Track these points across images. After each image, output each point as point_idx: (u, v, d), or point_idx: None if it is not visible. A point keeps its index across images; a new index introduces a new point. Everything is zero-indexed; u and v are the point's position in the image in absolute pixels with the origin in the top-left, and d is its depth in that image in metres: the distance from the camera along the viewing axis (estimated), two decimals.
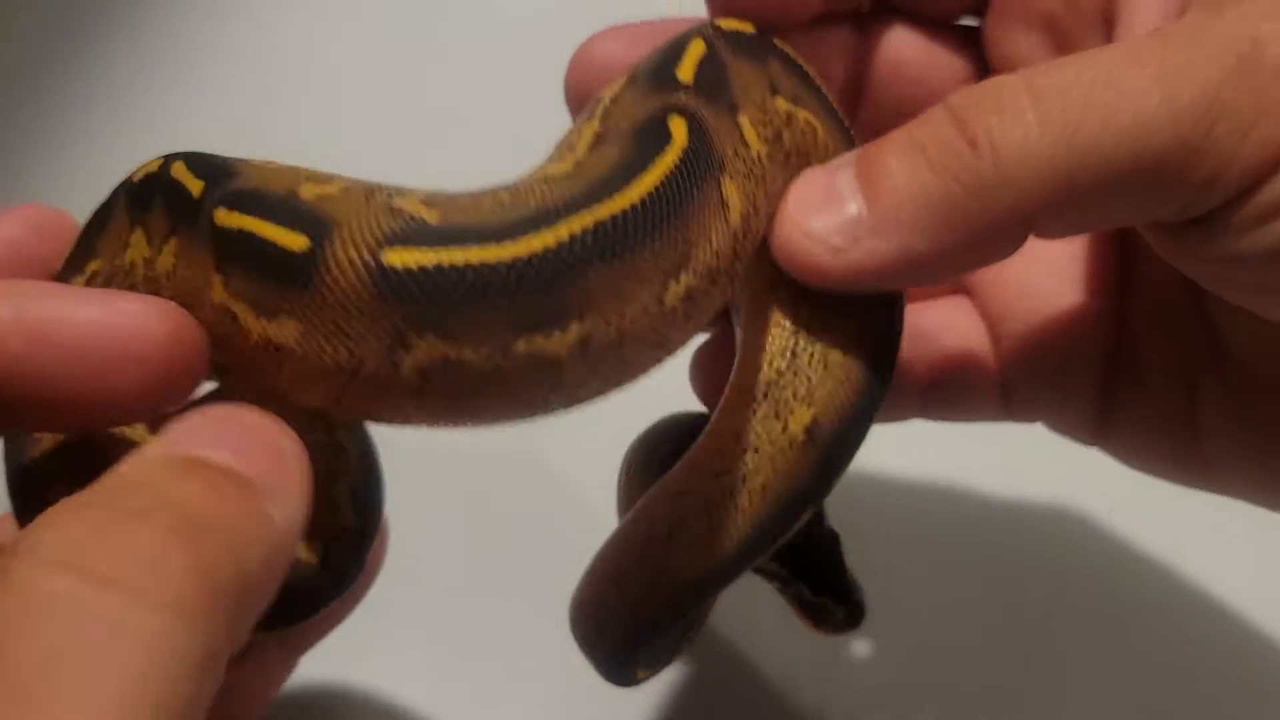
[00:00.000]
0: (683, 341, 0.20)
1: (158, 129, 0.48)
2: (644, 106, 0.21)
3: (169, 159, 0.21)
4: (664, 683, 0.35)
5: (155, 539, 0.16)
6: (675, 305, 0.19)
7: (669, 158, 0.19)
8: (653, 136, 0.20)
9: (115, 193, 0.22)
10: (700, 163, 0.20)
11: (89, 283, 0.22)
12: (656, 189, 0.19)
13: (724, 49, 0.22)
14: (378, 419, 0.20)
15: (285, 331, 0.18)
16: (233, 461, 0.17)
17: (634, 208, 0.18)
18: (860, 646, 0.35)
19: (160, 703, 0.15)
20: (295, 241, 0.18)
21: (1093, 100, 0.19)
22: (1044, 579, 0.36)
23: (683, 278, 0.19)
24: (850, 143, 0.24)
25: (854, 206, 0.20)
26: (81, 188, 0.48)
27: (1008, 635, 0.35)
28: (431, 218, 0.18)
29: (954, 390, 0.27)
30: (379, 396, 0.19)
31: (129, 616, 0.15)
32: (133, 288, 0.21)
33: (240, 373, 0.20)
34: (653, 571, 0.23)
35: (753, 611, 0.35)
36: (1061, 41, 0.24)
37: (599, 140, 0.21)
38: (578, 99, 0.25)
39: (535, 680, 0.35)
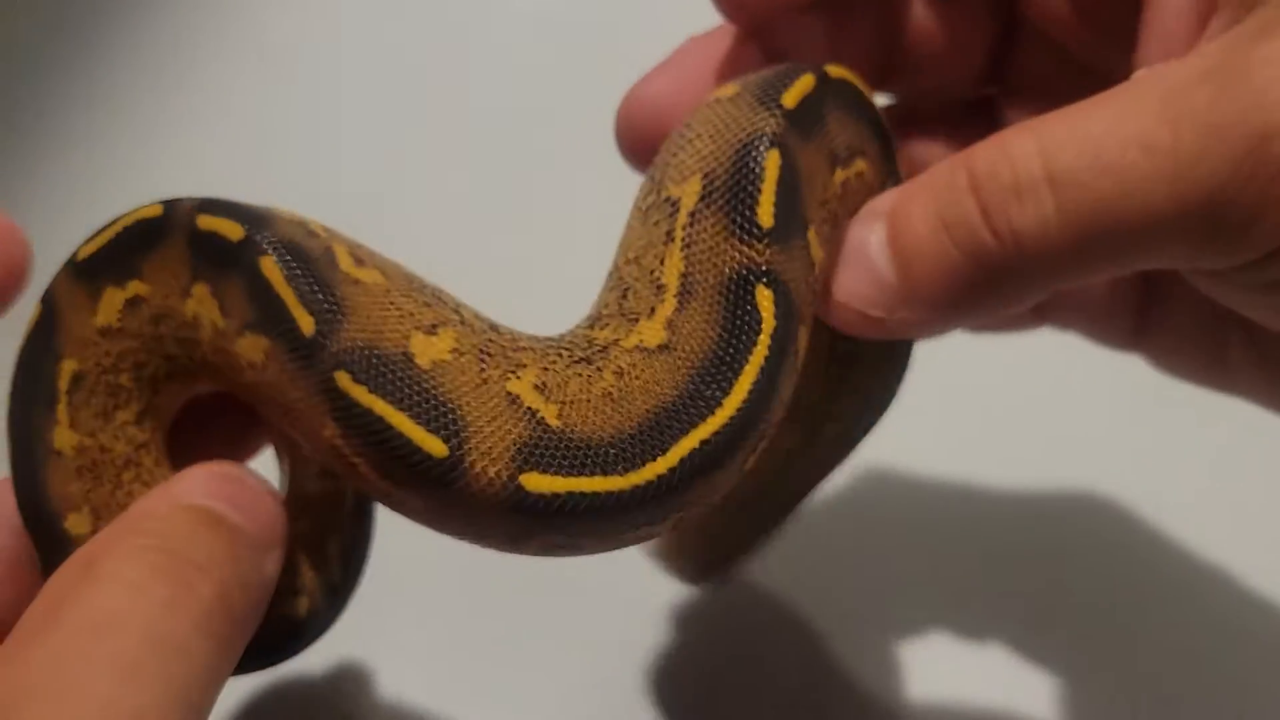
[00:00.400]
0: None
1: (158, 129, 0.49)
2: (727, 251, 0.22)
3: (255, 241, 0.21)
4: (662, 678, 0.35)
5: (187, 568, 0.20)
6: (749, 467, 0.22)
7: (760, 351, 0.21)
8: (744, 317, 0.21)
9: (170, 218, 0.22)
10: (787, 338, 0.22)
11: (129, 302, 0.23)
12: (752, 391, 0.21)
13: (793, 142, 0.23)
14: None
15: (411, 501, 0.21)
16: (243, 522, 0.22)
17: (733, 419, 0.21)
18: (861, 637, 0.35)
19: (191, 704, 0.18)
20: (436, 448, 0.20)
21: (1105, 191, 0.20)
22: (1050, 564, 0.36)
23: (760, 445, 0.22)
24: (894, 171, 0.25)
25: (889, 277, 0.22)
26: (82, 187, 0.48)
27: (1011, 622, 0.35)
28: (551, 418, 0.20)
29: None
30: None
31: (166, 625, 0.19)
32: (193, 342, 0.22)
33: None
34: None
35: (751, 606, 0.36)
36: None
37: (685, 292, 0.22)
38: (635, 148, 0.27)
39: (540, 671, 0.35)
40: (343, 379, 0.20)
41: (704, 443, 0.20)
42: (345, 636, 0.28)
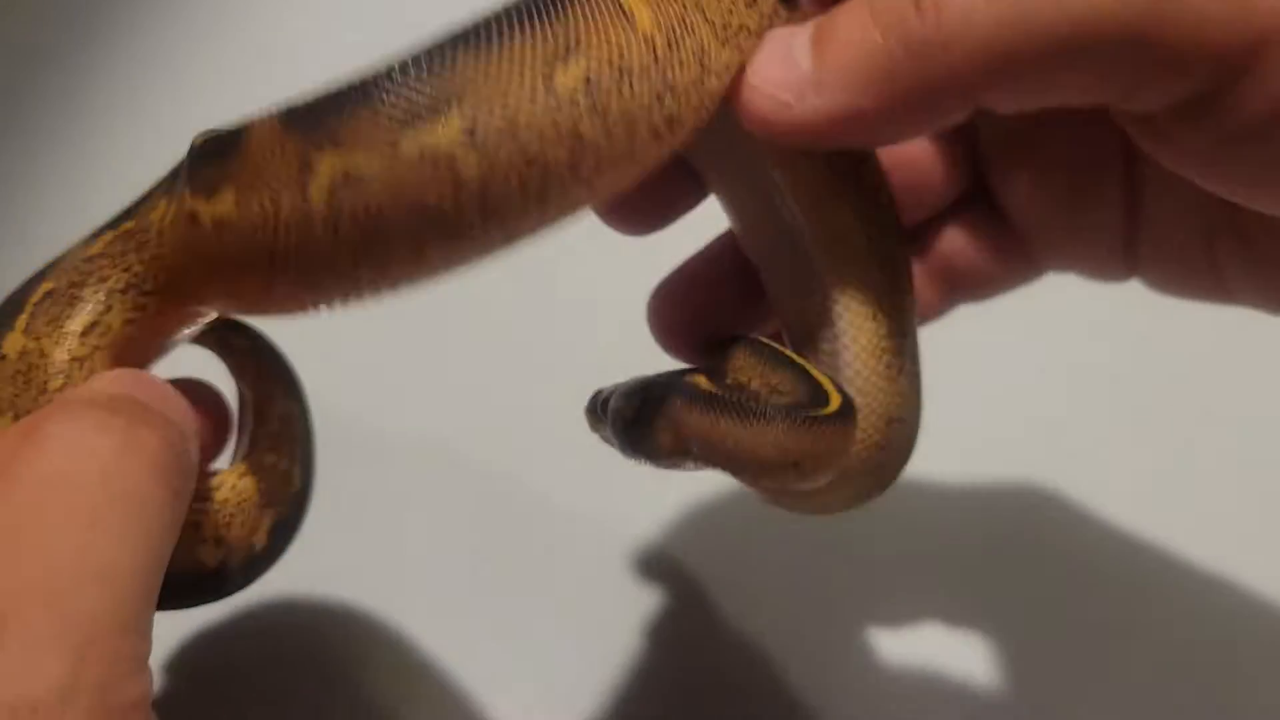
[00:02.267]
0: (612, 152, 0.20)
1: (159, 130, 0.49)
2: None
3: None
4: (660, 671, 0.35)
5: (129, 422, 0.20)
6: (573, 95, 0.19)
7: None
8: None
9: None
10: None
11: (117, 238, 0.25)
12: None
13: None
14: (314, 290, 0.21)
15: (225, 203, 0.21)
16: (161, 407, 0.22)
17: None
18: (854, 634, 0.35)
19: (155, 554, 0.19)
20: (228, 132, 0.21)
21: None
22: (1045, 563, 0.36)
23: (572, 65, 0.19)
24: None
25: (804, 64, 0.21)
26: (81, 189, 0.48)
27: (1007, 621, 0.35)
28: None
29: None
30: (304, 250, 0.20)
31: (121, 475, 0.19)
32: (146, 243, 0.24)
33: (199, 279, 0.23)
34: None
35: (749, 602, 0.36)
36: None
37: None
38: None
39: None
40: (190, 148, 0.22)
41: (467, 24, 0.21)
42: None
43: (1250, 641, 0.34)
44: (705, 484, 0.36)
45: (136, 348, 0.25)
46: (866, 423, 0.25)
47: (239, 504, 0.26)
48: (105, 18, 0.52)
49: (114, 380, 0.23)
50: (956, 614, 0.35)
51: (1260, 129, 0.20)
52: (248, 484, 0.27)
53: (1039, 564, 0.36)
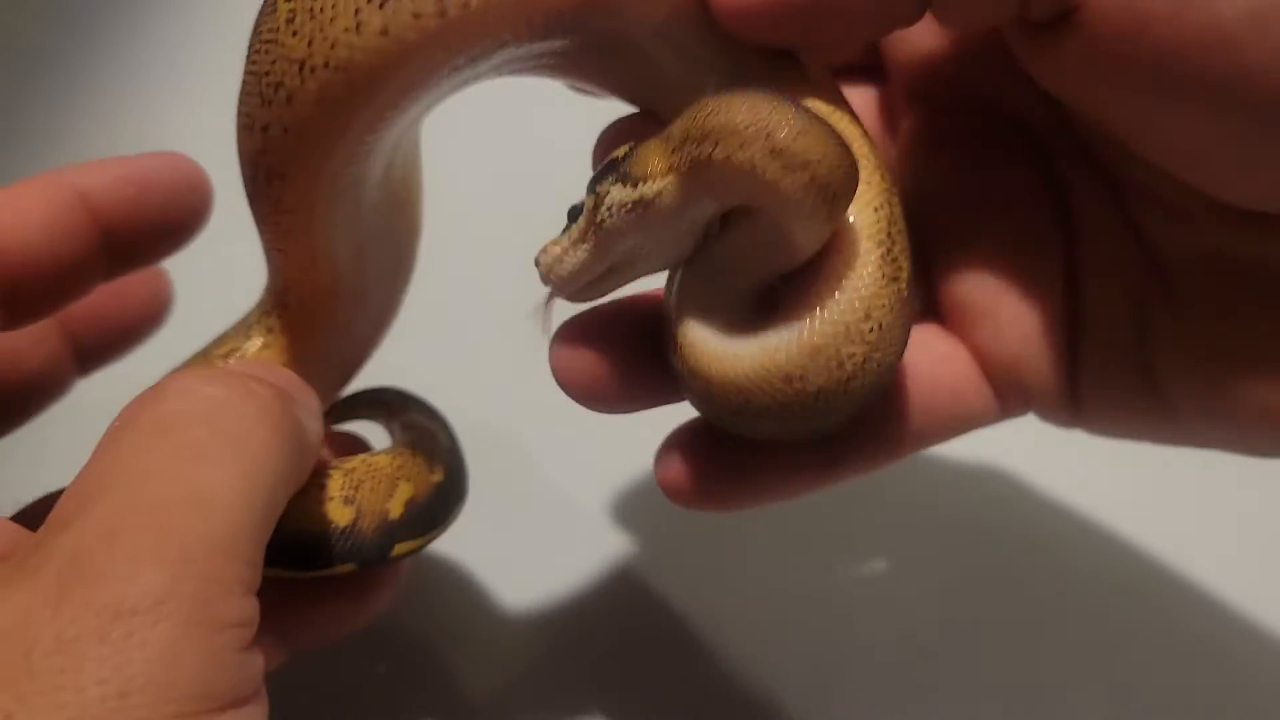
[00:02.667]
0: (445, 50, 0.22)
1: (160, 130, 0.48)
2: None
3: None
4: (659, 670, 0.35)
5: (244, 377, 0.22)
6: None
7: None
8: None
9: None
10: None
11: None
12: None
13: None
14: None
15: None
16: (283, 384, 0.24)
17: None
18: (854, 631, 0.36)
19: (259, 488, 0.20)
20: None
21: None
22: (1041, 563, 0.36)
23: None
24: None
25: None
26: None
27: (1005, 620, 0.36)
28: None
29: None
30: None
31: (228, 415, 0.21)
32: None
33: None
34: None
35: (748, 602, 0.36)
36: None
37: None
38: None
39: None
40: None
41: None
42: None
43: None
44: None
45: None
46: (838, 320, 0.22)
47: (370, 471, 0.27)
48: (105, 18, 0.52)
49: (236, 366, 0.26)
50: (955, 612, 0.36)
51: (1105, 49, 0.21)
52: (383, 460, 0.27)
53: (1039, 562, 0.36)
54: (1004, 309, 0.26)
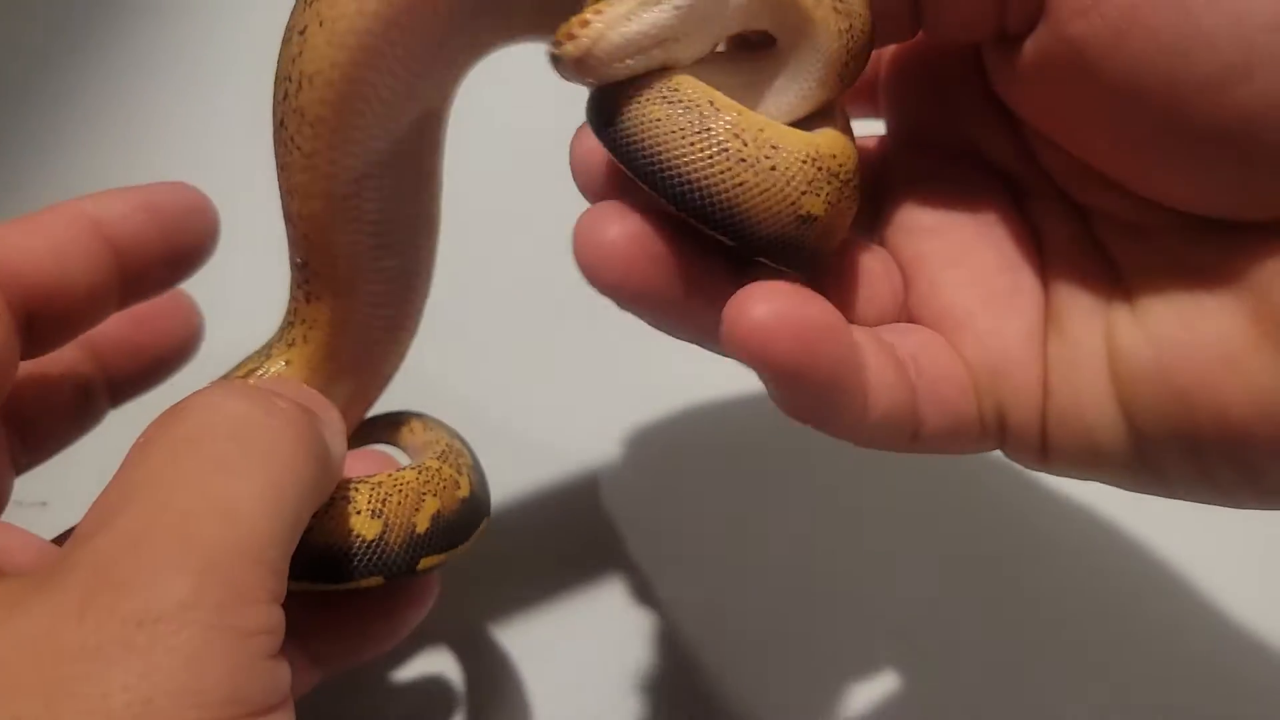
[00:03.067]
0: None
1: (159, 130, 0.49)
2: None
3: None
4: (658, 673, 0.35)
5: (268, 393, 0.23)
6: None
7: None
8: None
9: None
10: None
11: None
12: None
13: None
14: None
15: None
16: (307, 401, 0.25)
17: None
18: (855, 639, 0.36)
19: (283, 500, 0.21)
20: None
21: None
22: (1041, 570, 0.37)
23: None
24: None
25: None
26: (81, 190, 0.48)
27: (1003, 626, 0.36)
28: None
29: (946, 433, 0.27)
30: None
31: (252, 428, 0.21)
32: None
33: None
34: None
35: (750, 602, 0.36)
36: None
37: None
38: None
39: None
40: None
41: None
42: None
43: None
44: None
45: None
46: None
47: (396, 486, 0.27)
48: (106, 19, 0.53)
49: (259, 381, 0.27)
50: (954, 612, 0.36)
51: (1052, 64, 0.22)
52: (409, 475, 0.28)
53: (1039, 561, 0.36)
54: (982, 320, 0.26)
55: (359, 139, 0.25)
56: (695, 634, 0.36)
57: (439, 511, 0.27)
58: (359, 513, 0.26)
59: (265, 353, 0.29)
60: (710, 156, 0.21)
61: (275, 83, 0.26)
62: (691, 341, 0.24)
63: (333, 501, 0.26)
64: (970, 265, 0.27)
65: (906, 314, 0.27)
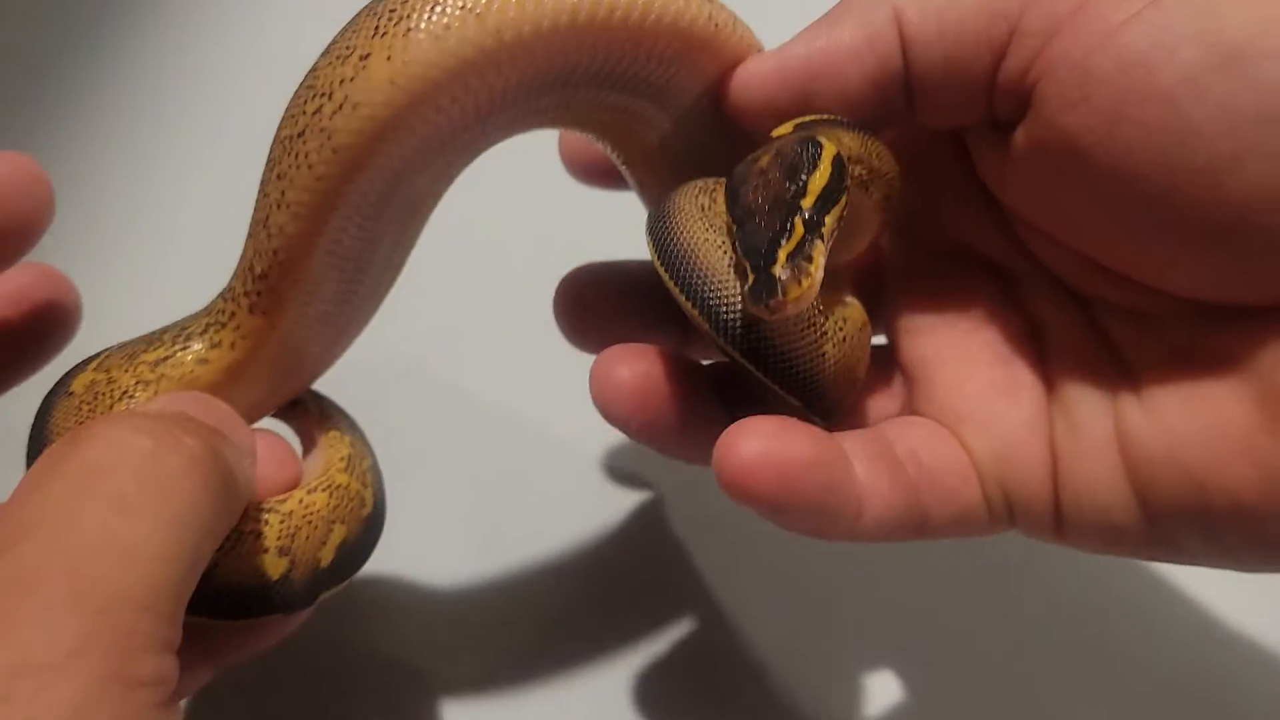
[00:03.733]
0: None
1: (160, 130, 0.49)
2: None
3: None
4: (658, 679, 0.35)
5: (172, 427, 0.21)
6: None
7: None
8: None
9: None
10: None
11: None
12: None
13: None
14: None
15: None
16: (220, 425, 0.23)
17: None
18: (855, 639, 0.36)
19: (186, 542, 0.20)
20: None
21: None
22: (1041, 570, 0.36)
23: None
24: None
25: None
26: (81, 190, 0.48)
27: (1003, 626, 0.35)
28: None
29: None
30: None
31: (154, 465, 0.20)
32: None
33: None
34: None
35: (751, 606, 0.36)
36: None
37: None
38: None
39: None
40: None
41: None
42: None
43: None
44: None
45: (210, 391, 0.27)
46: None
47: (305, 515, 0.26)
48: (106, 19, 0.53)
49: (169, 399, 0.24)
50: (954, 611, 0.36)
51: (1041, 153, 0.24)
52: (318, 499, 0.27)
53: (1039, 562, 0.36)
54: (980, 411, 0.27)
55: (374, 179, 0.24)
56: (695, 632, 0.36)
57: (345, 540, 0.27)
58: (266, 550, 0.25)
59: (183, 341, 0.28)
60: (802, 331, 0.24)
61: (304, 90, 0.25)
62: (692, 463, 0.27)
63: (240, 537, 0.25)
64: (966, 361, 0.27)
65: (909, 410, 0.28)
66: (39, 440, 0.26)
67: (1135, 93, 0.21)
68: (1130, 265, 0.24)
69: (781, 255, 0.23)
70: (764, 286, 0.22)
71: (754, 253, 0.23)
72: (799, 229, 0.23)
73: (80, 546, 0.18)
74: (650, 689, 0.34)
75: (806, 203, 0.23)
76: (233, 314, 0.27)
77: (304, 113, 0.24)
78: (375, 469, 0.30)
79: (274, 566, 0.25)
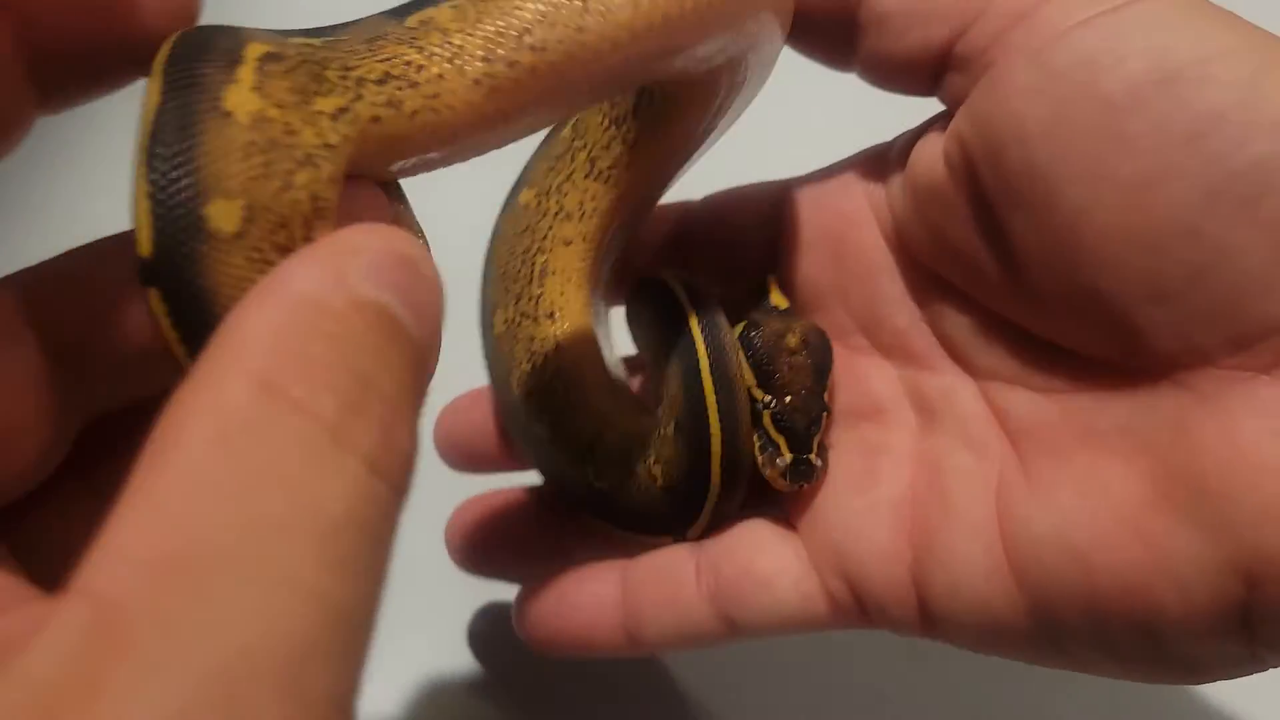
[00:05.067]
0: None
1: None
2: None
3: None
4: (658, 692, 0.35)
5: (350, 384, 0.16)
6: None
7: None
8: None
9: None
10: None
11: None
12: None
13: None
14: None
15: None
16: (414, 325, 0.17)
17: None
18: (854, 639, 0.35)
19: (360, 547, 0.15)
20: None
21: None
22: None
23: None
24: None
25: None
26: (81, 189, 0.48)
27: None
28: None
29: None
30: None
31: (334, 456, 0.15)
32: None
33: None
34: None
35: None
36: None
37: None
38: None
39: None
40: None
41: None
42: None
43: None
44: None
45: (368, 160, 0.21)
46: None
47: None
48: None
49: (379, 272, 0.17)
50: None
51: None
52: None
53: None
54: (823, 504, 0.28)
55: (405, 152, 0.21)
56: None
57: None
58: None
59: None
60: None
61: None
62: None
63: None
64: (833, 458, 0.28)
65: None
66: (177, 173, 0.18)
67: (1080, 92, 0.22)
68: (1023, 310, 0.25)
69: (814, 444, 0.27)
70: (803, 471, 0.27)
71: (791, 434, 0.27)
72: (824, 422, 0.28)
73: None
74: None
75: (828, 397, 0.28)
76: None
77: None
78: None
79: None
